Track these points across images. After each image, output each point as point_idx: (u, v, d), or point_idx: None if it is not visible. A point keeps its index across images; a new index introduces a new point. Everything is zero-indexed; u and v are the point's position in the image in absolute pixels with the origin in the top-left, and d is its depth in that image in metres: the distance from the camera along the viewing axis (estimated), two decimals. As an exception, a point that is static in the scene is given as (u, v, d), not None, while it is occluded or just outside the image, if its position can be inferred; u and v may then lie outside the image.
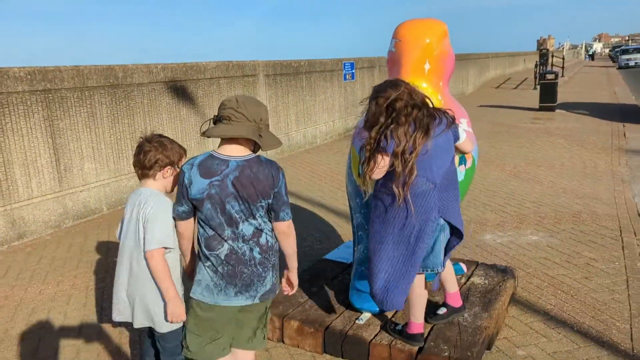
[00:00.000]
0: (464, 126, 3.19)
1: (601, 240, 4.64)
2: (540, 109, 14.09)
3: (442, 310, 2.97)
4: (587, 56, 64.90)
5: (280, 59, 9.38)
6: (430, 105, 2.65)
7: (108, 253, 4.72)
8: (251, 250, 2.20)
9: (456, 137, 2.71)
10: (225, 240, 2.18)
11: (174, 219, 2.27)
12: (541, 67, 21.09)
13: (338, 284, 3.46)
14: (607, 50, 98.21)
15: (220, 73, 7.87)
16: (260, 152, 2.26)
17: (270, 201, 2.19)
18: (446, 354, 2.67)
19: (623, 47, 46.99)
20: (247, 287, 2.21)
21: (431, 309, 3.03)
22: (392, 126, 2.53)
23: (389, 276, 2.67)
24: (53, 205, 5.47)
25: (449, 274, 2.99)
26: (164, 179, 2.34)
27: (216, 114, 2.22)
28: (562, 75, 27.43)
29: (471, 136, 3.21)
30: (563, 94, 18.58)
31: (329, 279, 3.57)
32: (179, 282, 2.34)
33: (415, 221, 2.60)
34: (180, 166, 2.34)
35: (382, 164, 2.55)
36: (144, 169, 2.30)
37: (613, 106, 14.78)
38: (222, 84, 7.91)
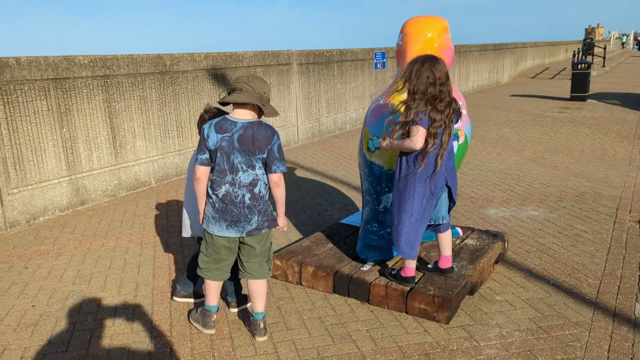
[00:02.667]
0: (458, 108, 3.74)
1: (596, 216, 5.09)
2: (571, 98, 14.24)
3: (430, 265, 3.55)
4: (634, 46, 62.79)
5: (313, 49, 9.99)
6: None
7: (156, 217, 5.47)
8: (243, 195, 2.87)
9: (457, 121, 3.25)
10: (224, 184, 2.86)
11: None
12: (579, 57, 20.96)
13: (350, 242, 4.08)
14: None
15: (257, 62, 8.54)
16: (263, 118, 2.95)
17: (264, 156, 2.84)
18: (431, 292, 3.26)
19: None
20: (236, 223, 2.90)
21: (424, 262, 3.63)
22: (434, 98, 2.96)
23: (408, 232, 3.25)
24: (110, 177, 6.27)
25: (446, 238, 3.53)
26: None
27: (232, 87, 2.90)
28: (604, 66, 27.02)
29: (464, 117, 3.77)
30: (600, 84, 18.55)
31: (342, 237, 4.20)
32: None
33: (433, 188, 3.17)
34: None
35: (421, 135, 2.98)
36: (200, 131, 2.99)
37: (648, 97, 14.76)
38: (258, 72, 8.58)
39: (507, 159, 7.77)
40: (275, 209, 3.07)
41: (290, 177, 7.04)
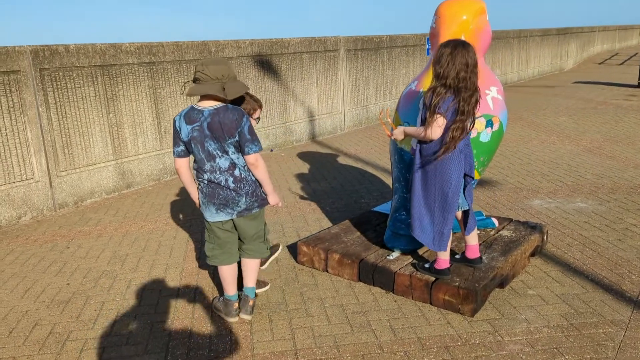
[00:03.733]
0: (493, 93, 3.57)
1: (650, 209, 4.76)
2: (639, 86, 13.39)
3: (458, 256, 3.42)
4: None
5: (362, 34, 9.85)
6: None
7: (196, 201, 5.59)
8: (226, 180, 2.90)
9: None
10: (205, 172, 2.91)
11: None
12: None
13: (379, 230, 4.01)
14: None
15: (303, 48, 8.52)
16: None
17: (236, 139, 2.84)
18: (457, 284, 3.15)
19: None
20: (224, 206, 2.95)
21: (453, 252, 3.51)
22: (462, 86, 2.84)
23: (433, 224, 3.16)
24: (155, 162, 6.46)
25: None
26: None
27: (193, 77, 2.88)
28: (680, 50, 25.27)
29: (499, 103, 3.59)
30: (674, 71, 17.33)
31: (372, 225, 4.12)
32: None
33: (452, 177, 3.05)
34: (254, 116, 3.22)
35: (441, 124, 2.87)
36: None
37: None
38: (304, 59, 8.56)
39: (560, 148, 7.40)
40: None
41: (332, 165, 7.00)
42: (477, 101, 2.93)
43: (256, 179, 2.99)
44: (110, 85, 5.87)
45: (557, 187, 5.54)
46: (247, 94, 3.26)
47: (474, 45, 3.61)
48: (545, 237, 3.96)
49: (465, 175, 3.11)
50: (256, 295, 3.32)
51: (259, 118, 3.35)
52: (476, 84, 2.92)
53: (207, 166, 2.89)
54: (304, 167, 6.93)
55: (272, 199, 3.09)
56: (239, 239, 3.15)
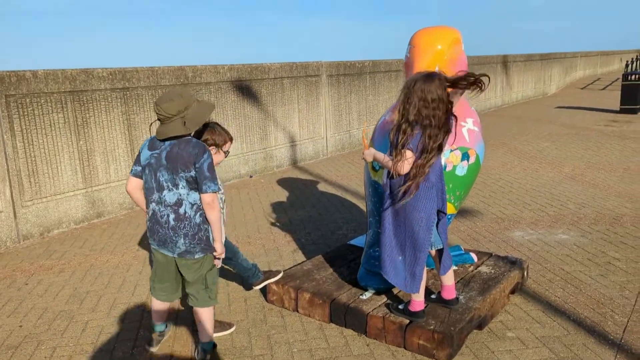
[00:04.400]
0: (469, 125, 3.45)
1: (632, 242, 4.64)
2: (621, 111, 13.48)
3: (434, 295, 3.26)
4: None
5: (344, 60, 9.80)
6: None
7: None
8: (168, 215, 2.74)
9: None
10: (151, 202, 2.78)
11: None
12: (632, 67, 19.95)
13: (353, 266, 3.83)
14: None
15: (284, 73, 8.42)
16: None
17: (193, 174, 2.68)
18: (432, 327, 2.97)
19: None
20: (163, 243, 2.80)
21: (429, 291, 3.34)
22: (426, 123, 2.71)
23: (405, 264, 3.00)
24: (128, 190, 6.25)
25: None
26: None
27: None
28: (660, 76, 25.66)
29: (476, 135, 3.47)
30: (655, 96, 17.52)
31: (347, 260, 3.95)
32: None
33: (422, 213, 2.90)
34: (224, 149, 3.08)
35: (408, 159, 2.74)
36: None
37: None
38: (285, 84, 8.46)
39: (543, 175, 7.31)
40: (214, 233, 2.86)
41: (312, 192, 6.85)
42: (445, 136, 2.78)
43: (206, 223, 2.79)
44: (81, 111, 5.69)
45: (539, 217, 5.42)
46: (218, 125, 3.13)
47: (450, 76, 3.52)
48: (525, 273, 3.81)
49: (438, 211, 2.96)
50: (215, 346, 3.08)
51: (227, 151, 3.19)
52: (443, 118, 2.76)
53: (155, 196, 2.76)
54: (283, 195, 6.76)
55: (219, 247, 2.87)
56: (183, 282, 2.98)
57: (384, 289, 3.41)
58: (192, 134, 2.78)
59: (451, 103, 2.81)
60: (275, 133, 8.38)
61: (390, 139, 2.84)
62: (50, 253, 4.88)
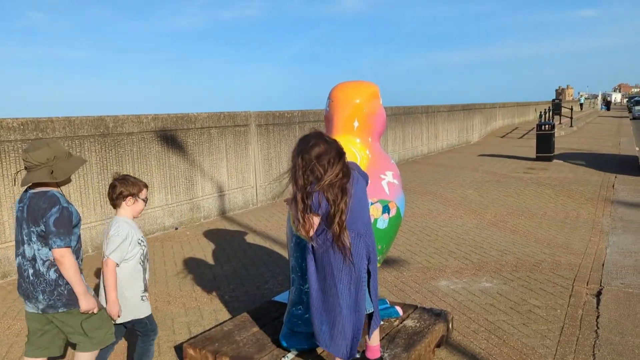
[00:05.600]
0: (389, 178, 3.46)
1: (552, 288, 4.77)
2: (537, 159, 14.28)
3: (358, 355, 3.14)
4: (602, 106, 65.01)
5: (273, 110, 9.84)
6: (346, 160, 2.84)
7: (81, 292, 5.00)
8: (27, 270, 2.74)
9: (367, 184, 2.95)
10: (17, 255, 2.79)
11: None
12: (546, 117, 21.37)
13: (277, 324, 3.67)
14: (625, 101, 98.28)
15: (211, 123, 8.31)
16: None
17: (41, 229, 2.66)
18: (355, 390, 2.85)
19: (636, 98, 47.08)
20: (28, 297, 2.77)
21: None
22: (322, 184, 2.64)
23: (340, 327, 2.85)
24: (38, 246, 5.81)
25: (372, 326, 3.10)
26: (127, 207, 3.02)
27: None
28: (571, 125, 27.64)
29: (396, 187, 3.48)
30: (567, 144, 18.79)
31: (271, 318, 3.78)
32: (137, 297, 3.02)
33: (352, 271, 2.80)
34: (141, 197, 3.04)
35: (316, 223, 2.72)
36: (111, 200, 3.03)
37: (612, 157, 14.90)
38: (212, 133, 8.34)
39: (467, 222, 7.50)
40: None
41: (239, 244, 6.65)
42: (345, 179, 2.71)
43: (60, 279, 2.72)
44: (-14, 163, 5.30)
45: (464, 265, 5.50)
46: (129, 176, 3.11)
47: (368, 129, 3.55)
48: (450, 325, 3.79)
49: (368, 264, 2.87)
50: None
51: (146, 199, 3.14)
52: (330, 171, 2.67)
53: (20, 250, 2.76)
54: (209, 247, 6.52)
55: (84, 304, 2.75)
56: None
57: (308, 349, 3.27)
58: (58, 185, 2.79)
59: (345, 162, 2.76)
60: (202, 183, 8.17)
61: (292, 212, 2.77)
62: (-58, 321, 4.39)
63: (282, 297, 4.17)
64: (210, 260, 5.96)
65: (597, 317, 4.12)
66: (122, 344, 3.81)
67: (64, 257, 2.65)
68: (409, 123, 15.67)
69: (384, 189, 3.40)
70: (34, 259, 2.70)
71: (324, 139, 2.74)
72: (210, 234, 7.25)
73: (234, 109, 9.03)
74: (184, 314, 4.42)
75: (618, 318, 4.09)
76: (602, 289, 4.71)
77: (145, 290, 3.10)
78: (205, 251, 6.37)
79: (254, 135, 9.22)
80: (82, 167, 6.26)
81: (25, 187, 2.80)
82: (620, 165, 12.94)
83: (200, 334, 3.67)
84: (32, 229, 2.67)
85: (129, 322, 3.05)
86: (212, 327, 3.78)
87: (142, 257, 3.06)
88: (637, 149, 17.23)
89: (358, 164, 3.41)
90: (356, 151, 3.47)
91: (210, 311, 4.46)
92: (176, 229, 7.62)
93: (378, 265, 3.52)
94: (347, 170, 2.75)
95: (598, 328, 3.93)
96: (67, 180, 2.83)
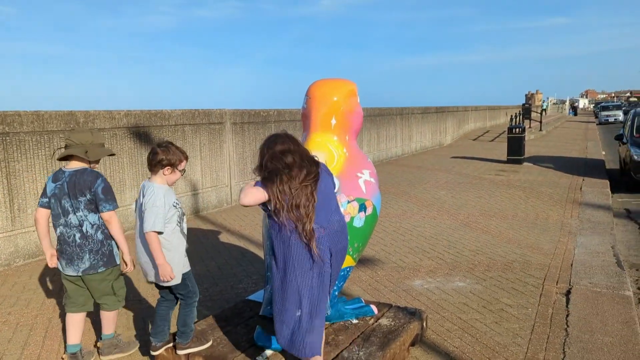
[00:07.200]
0: (365, 177, 3.46)
1: (523, 287, 4.85)
2: (508, 161, 14.52)
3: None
4: (570, 111, 66.60)
5: (249, 108, 9.77)
6: (313, 159, 2.85)
7: (48, 291, 4.87)
8: (74, 235, 3.28)
9: (334, 185, 2.95)
10: (59, 226, 3.32)
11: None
12: (516, 121, 21.76)
13: (251, 324, 3.63)
14: (591, 106, 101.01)
15: (185, 120, 8.20)
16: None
17: (90, 197, 3.25)
18: (330, 389, 2.84)
19: (603, 104, 48.35)
20: (70, 261, 3.31)
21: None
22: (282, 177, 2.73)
23: (302, 323, 2.83)
24: (4, 244, 5.64)
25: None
26: (164, 175, 3.11)
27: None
28: (540, 129, 28.21)
29: (372, 186, 3.48)
30: (537, 148, 19.16)
31: (244, 318, 3.74)
32: (182, 256, 3.22)
33: (315, 265, 2.80)
34: (179, 168, 3.12)
35: (256, 197, 2.76)
36: (150, 165, 3.11)
37: (580, 160, 15.24)
38: (187, 131, 8.23)
39: (440, 222, 7.57)
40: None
41: (212, 243, 6.57)
42: (310, 174, 2.77)
43: (109, 239, 3.36)
44: (-50, 158, 5.12)
45: (437, 265, 5.54)
46: (172, 144, 3.17)
47: (345, 126, 3.54)
48: (425, 324, 3.81)
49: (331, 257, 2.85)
50: (115, 336, 3.64)
51: (184, 170, 3.24)
52: (294, 163, 2.75)
53: (62, 220, 3.29)
54: (181, 247, 6.42)
55: (126, 257, 3.39)
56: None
57: (282, 348, 3.23)
58: (90, 164, 3.36)
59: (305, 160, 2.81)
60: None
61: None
62: None
63: (257, 296, 4.13)
64: (183, 259, 5.87)
65: (567, 315, 4.20)
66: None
67: (112, 217, 3.30)
68: (384, 124, 15.76)
69: (360, 187, 3.40)
70: (80, 224, 3.27)
71: (282, 138, 2.83)
72: (183, 233, 7.14)
73: (208, 107, 8.92)
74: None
75: (587, 316, 4.18)
76: (571, 289, 4.80)
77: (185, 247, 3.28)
78: (177, 250, 6.26)
79: (229, 134, 9.14)
80: (51, 163, 6.10)
81: (58, 169, 3.39)
82: (587, 168, 13.26)
83: (173, 333, 3.60)
84: (79, 199, 3.24)
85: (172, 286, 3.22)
86: (185, 326, 3.71)
87: (179, 219, 3.18)
88: (603, 152, 17.69)
89: (335, 162, 3.41)
90: (333, 149, 3.46)
91: (182, 310, 4.38)
92: (148, 227, 7.49)
93: (354, 263, 3.52)
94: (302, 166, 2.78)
95: (568, 326, 4.00)
96: (97, 162, 3.42)
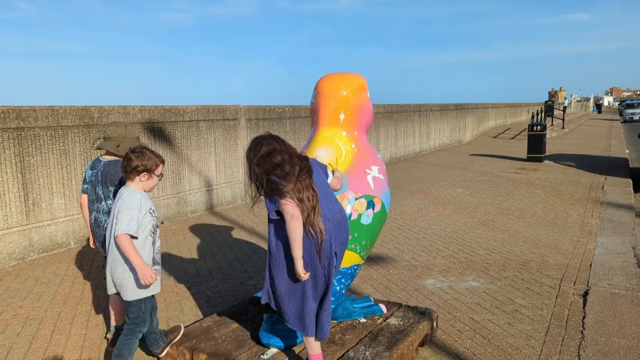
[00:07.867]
0: (374, 173, 3.38)
1: (539, 288, 4.72)
2: (528, 159, 14.26)
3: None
4: (594, 109, 65.36)
5: (264, 104, 9.73)
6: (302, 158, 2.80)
7: (60, 285, 4.89)
8: (105, 221, 3.43)
9: (326, 175, 2.91)
10: (93, 211, 3.55)
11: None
12: (537, 118, 21.39)
13: (257, 321, 3.58)
14: (616, 104, 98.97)
15: (200, 116, 8.19)
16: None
17: (117, 188, 3.34)
18: (334, 389, 2.77)
19: (628, 102, 47.26)
20: (102, 245, 3.47)
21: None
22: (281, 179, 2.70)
23: (310, 309, 2.81)
24: (18, 238, 5.69)
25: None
26: (140, 182, 3.03)
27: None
28: (563, 127, 27.71)
29: (381, 182, 3.40)
30: (559, 145, 18.80)
31: (250, 315, 3.70)
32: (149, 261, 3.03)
33: (324, 254, 2.76)
34: (156, 173, 3.03)
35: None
36: (125, 172, 3.03)
37: (602, 159, 14.90)
38: (201, 127, 8.22)
39: (456, 221, 7.45)
40: None
41: (225, 239, 6.55)
42: (305, 170, 2.73)
43: None
44: (-35, 152, 5.17)
45: (451, 264, 5.43)
46: (146, 149, 3.07)
47: (354, 122, 3.47)
48: (435, 324, 3.72)
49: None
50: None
51: (161, 174, 3.13)
52: (284, 165, 2.69)
53: (95, 206, 3.51)
54: (194, 242, 6.42)
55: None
56: None
57: (287, 346, 3.19)
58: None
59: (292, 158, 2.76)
60: (189, 177, 8.06)
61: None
62: None
63: (265, 293, 4.07)
64: (195, 255, 5.86)
65: (584, 317, 4.07)
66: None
67: None
68: (401, 121, 15.61)
69: (369, 183, 3.32)
70: (109, 211, 3.35)
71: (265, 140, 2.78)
72: (197, 229, 7.15)
73: (223, 103, 8.91)
74: (164, 308, 4.32)
75: (604, 319, 4.04)
76: (589, 290, 4.66)
77: (155, 263, 3.08)
78: (190, 246, 6.26)
79: (243, 130, 9.12)
80: (65, 158, 6.14)
81: (97, 157, 3.67)
82: (610, 167, 12.95)
83: (166, 330, 3.57)
84: (109, 188, 3.43)
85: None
86: (191, 324, 3.69)
87: (152, 228, 3.04)
88: (627, 151, 17.29)
89: (343, 157, 3.35)
90: (341, 144, 3.39)
91: (191, 306, 4.36)
92: (162, 223, 7.51)
93: (362, 261, 3.46)
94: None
95: (584, 329, 3.87)
96: None
